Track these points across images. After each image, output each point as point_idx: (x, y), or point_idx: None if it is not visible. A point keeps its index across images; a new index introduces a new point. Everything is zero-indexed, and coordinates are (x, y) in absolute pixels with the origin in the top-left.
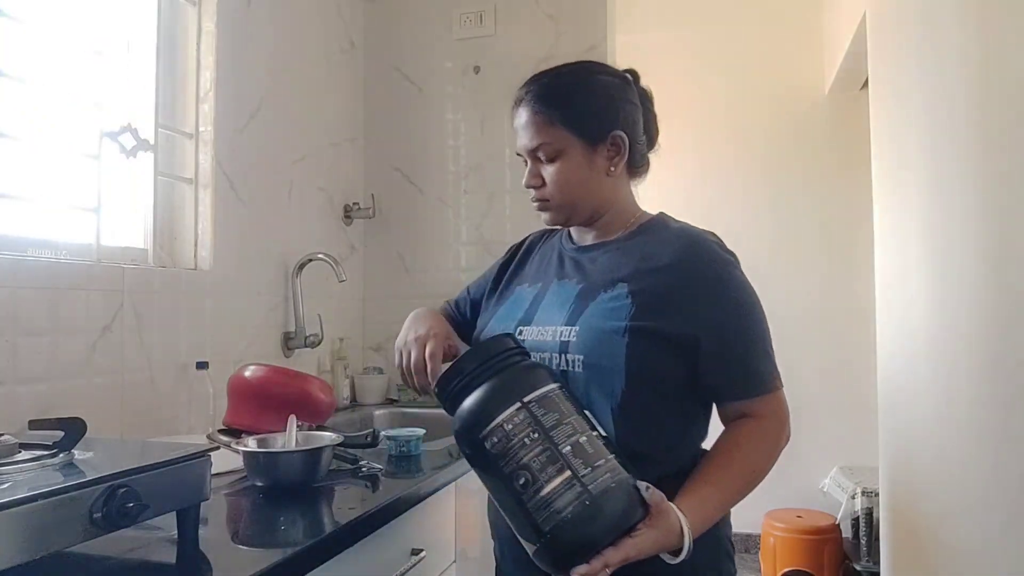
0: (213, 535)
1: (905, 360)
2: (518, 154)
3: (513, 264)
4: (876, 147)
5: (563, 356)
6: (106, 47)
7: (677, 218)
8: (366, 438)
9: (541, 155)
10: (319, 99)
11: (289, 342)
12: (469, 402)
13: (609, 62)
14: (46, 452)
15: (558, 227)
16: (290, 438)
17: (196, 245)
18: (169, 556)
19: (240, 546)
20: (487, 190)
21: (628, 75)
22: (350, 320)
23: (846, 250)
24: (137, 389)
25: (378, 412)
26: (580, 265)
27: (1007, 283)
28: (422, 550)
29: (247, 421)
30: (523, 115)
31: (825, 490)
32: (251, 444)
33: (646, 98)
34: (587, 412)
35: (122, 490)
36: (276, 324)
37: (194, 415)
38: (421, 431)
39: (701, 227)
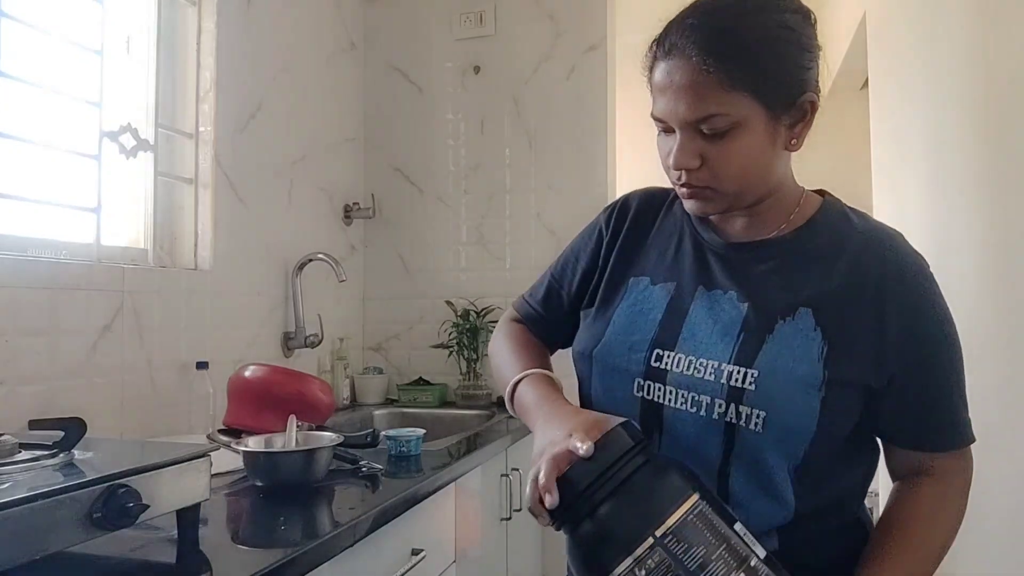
0: (213, 535)
1: None
2: (656, 119)
3: (620, 240)
4: (876, 147)
5: (733, 407)
6: (106, 47)
7: (848, 204)
8: (366, 438)
9: (705, 127)
10: (319, 99)
11: (289, 342)
12: (585, 533)
13: (609, 62)
14: (46, 452)
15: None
16: (290, 438)
17: (196, 245)
18: (169, 556)
19: (240, 546)
20: (487, 190)
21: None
22: (350, 320)
23: None
24: (137, 389)
25: (378, 412)
26: (735, 270)
27: (1008, 281)
28: (422, 550)
29: (247, 421)
30: (680, 71)
31: None
32: (251, 444)
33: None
34: (739, 525)
35: (122, 490)
36: (276, 324)
37: (194, 415)
38: (421, 431)
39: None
